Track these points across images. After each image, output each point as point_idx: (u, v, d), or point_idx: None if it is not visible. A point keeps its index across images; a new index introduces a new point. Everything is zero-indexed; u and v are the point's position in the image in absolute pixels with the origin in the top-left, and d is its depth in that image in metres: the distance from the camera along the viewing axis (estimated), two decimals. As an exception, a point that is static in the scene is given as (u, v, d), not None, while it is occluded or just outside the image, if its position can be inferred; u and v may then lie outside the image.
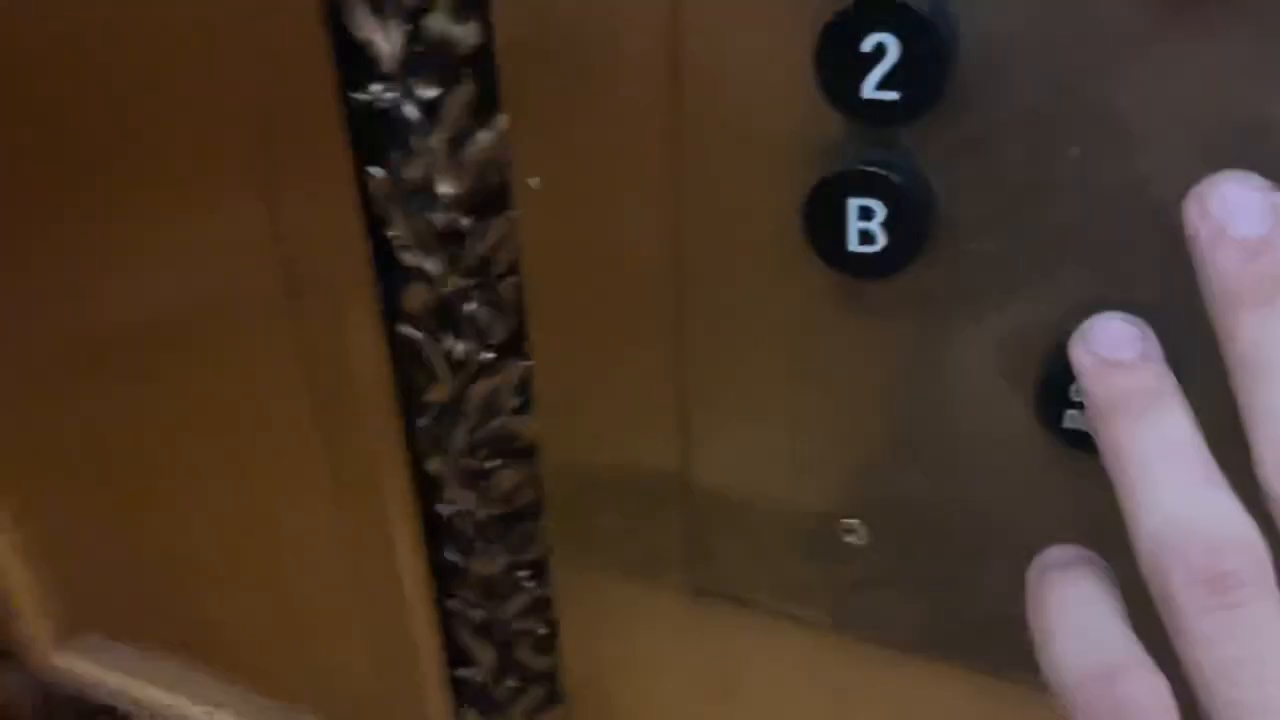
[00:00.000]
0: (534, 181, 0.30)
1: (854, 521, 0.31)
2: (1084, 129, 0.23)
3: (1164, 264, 0.24)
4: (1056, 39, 0.22)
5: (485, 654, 0.50)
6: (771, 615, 0.33)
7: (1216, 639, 0.20)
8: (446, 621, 0.50)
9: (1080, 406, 0.25)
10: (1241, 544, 0.20)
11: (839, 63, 0.23)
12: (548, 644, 0.48)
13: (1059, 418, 0.25)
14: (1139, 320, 0.23)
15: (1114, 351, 0.23)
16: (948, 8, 0.22)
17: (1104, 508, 0.27)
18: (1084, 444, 0.25)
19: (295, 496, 0.46)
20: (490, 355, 0.41)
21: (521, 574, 0.47)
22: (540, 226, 0.31)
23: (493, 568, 0.47)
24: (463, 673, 0.51)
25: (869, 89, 0.23)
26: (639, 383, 0.32)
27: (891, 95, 0.23)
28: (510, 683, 0.49)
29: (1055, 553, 0.24)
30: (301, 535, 0.47)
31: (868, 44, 0.22)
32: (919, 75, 0.23)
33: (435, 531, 0.47)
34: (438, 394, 0.43)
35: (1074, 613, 0.23)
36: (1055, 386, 0.25)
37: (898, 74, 0.23)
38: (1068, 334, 0.25)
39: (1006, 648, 0.32)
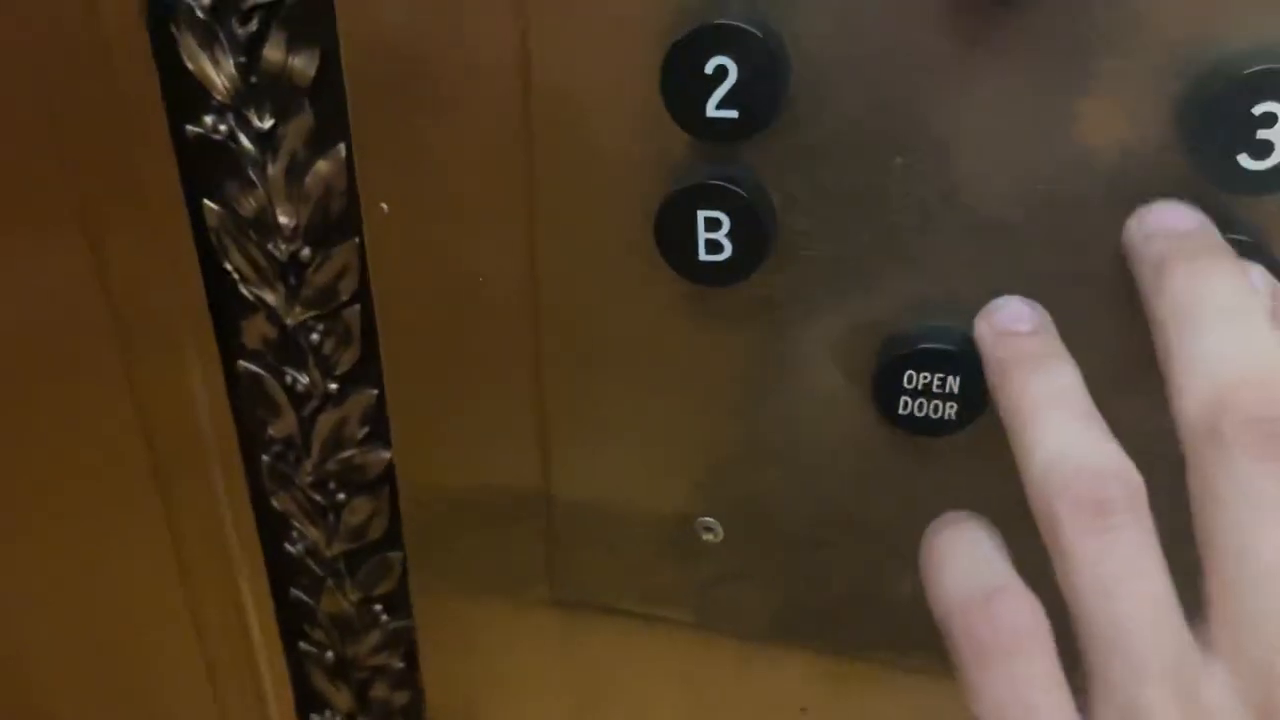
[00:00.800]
0: (383, 206, 0.30)
1: (711, 520, 0.32)
2: (905, 141, 0.25)
3: (978, 263, 0.26)
4: (878, 61, 0.25)
5: (341, 696, 0.49)
6: (637, 620, 0.34)
7: (1095, 559, 0.22)
8: (298, 666, 0.49)
9: (912, 394, 0.27)
10: (1121, 476, 0.23)
11: (683, 84, 0.25)
12: (406, 678, 0.47)
13: (895, 405, 0.28)
14: (1034, 302, 0.26)
15: (1013, 324, 0.25)
16: (781, 33, 0.24)
17: (939, 486, 0.30)
18: (918, 428, 0.28)
19: (131, 547, 0.44)
20: (335, 386, 0.40)
21: (376, 608, 0.46)
22: (391, 251, 0.31)
23: (345, 604, 0.46)
24: (317, 719, 0.50)
25: (712, 108, 0.25)
26: (497, 401, 0.32)
27: (732, 114, 0.25)
28: (368, 722, 0.48)
29: (945, 514, 0.26)
30: (139, 587, 0.45)
31: (709, 67, 0.24)
32: (757, 95, 0.25)
33: (283, 572, 0.46)
34: (282, 429, 0.42)
35: (957, 550, 0.25)
36: (890, 377, 0.27)
37: (737, 94, 0.24)
38: (899, 329, 0.27)
39: (855, 629, 0.34)
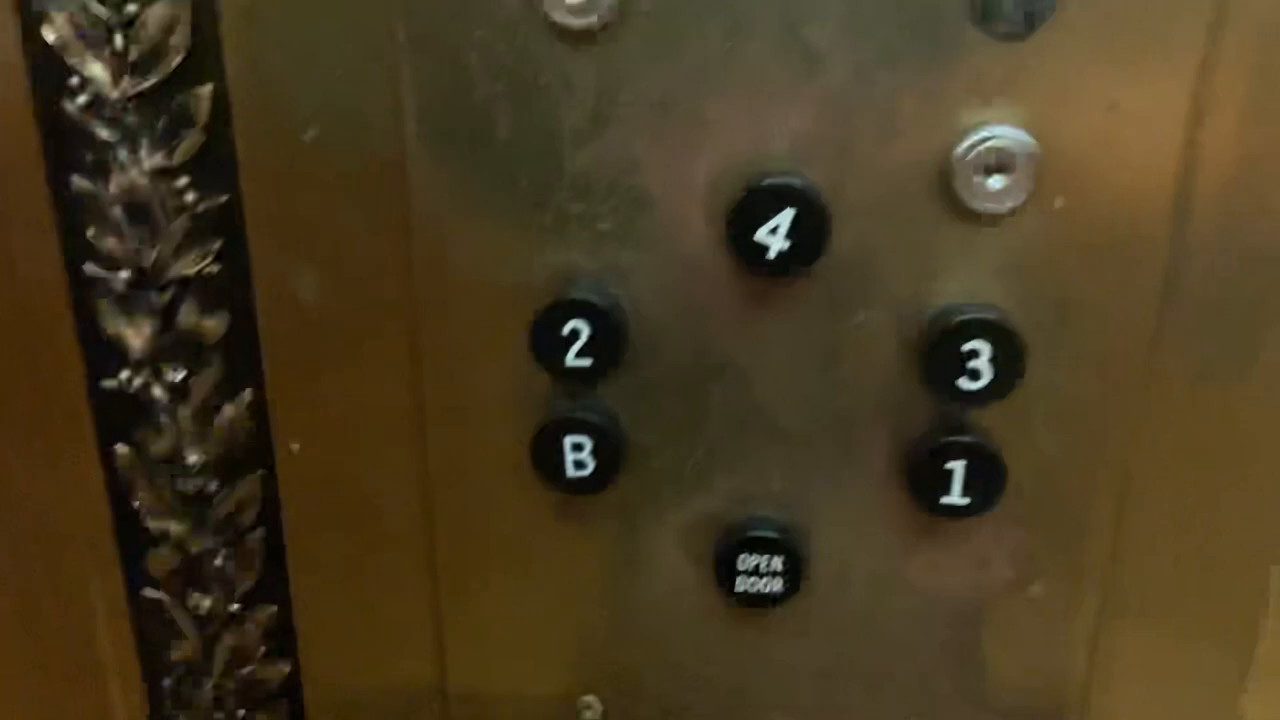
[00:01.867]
0: (294, 446, 0.36)
1: (590, 698, 0.37)
2: (719, 374, 0.33)
3: (785, 462, 0.34)
4: (694, 316, 0.32)
5: None
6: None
7: None
8: None
9: (745, 574, 0.34)
10: None
11: (547, 342, 0.31)
12: None
13: (733, 584, 0.34)
14: None
15: None
16: (620, 301, 0.32)
17: (777, 649, 0.36)
18: (753, 603, 0.34)
19: (31, 778, 0.45)
20: (237, 606, 0.44)
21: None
22: (300, 484, 0.36)
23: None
24: None
25: (570, 359, 0.32)
26: (396, 607, 0.37)
27: (586, 362, 0.32)
28: None
29: None
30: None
31: (566, 329, 0.31)
32: (604, 348, 0.32)
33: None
34: (184, 652, 0.45)
35: None
36: (727, 562, 0.34)
37: (589, 348, 0.31)
38: (730, 521, 0.34)
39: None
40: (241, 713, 0.46)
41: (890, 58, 0.28)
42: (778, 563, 0.33)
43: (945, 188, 0.29)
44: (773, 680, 0.36)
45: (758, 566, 0.33)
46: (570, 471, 0.33)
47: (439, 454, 0.34)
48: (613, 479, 0.33)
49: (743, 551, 0.33)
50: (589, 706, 0.37)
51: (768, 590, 0.34)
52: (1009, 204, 0.29)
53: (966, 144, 0.29)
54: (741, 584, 0.34)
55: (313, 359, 0.35)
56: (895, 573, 0.34)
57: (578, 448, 0.32)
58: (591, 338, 0.31)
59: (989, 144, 0.28)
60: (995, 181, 0.29)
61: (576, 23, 0.29)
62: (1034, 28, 0.28)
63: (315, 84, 0.31)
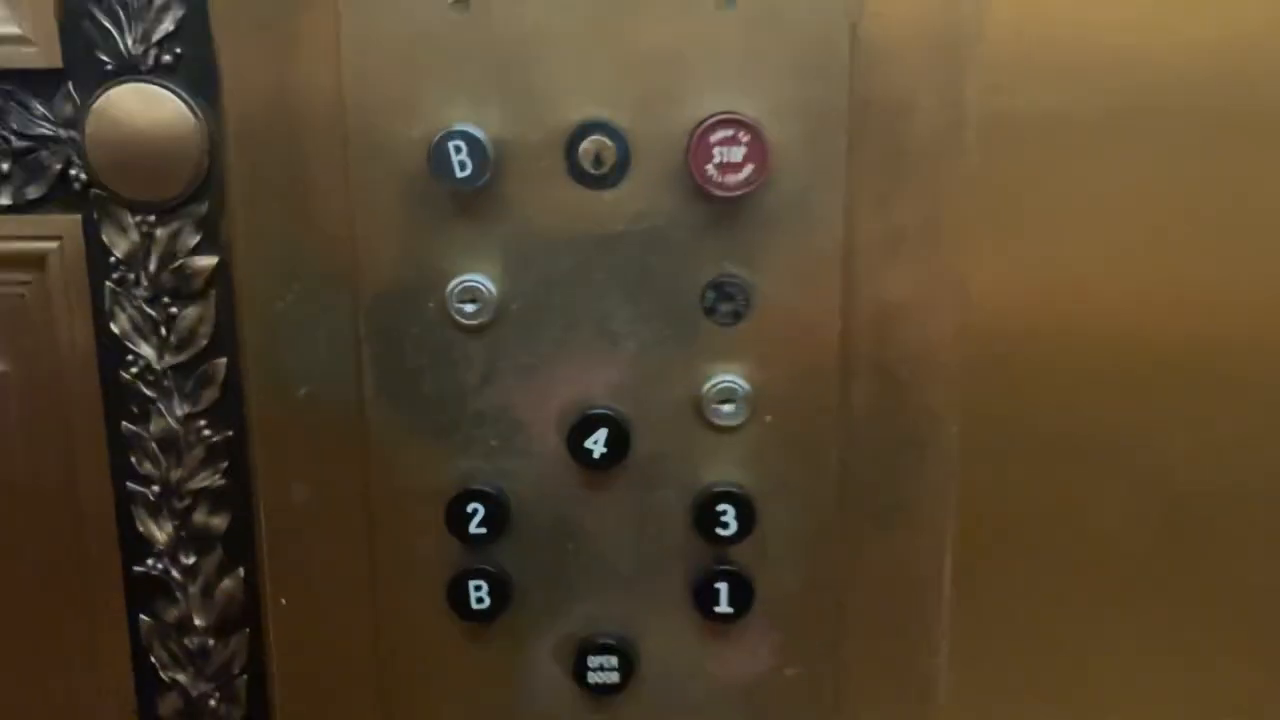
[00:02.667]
0: (283, 601, 0.52)
1: (493, 774, 0.53)
2: (572, 535, 0.50)
3: (617, 599, 0.51)
4: (553, 498, 0.50)
5: None
6: None
7: None
8: None
9: (595, 670, 0.50)
10: None
11: (457, 518, 0.49)
12: None
13: (587, 679, 0.50)
14: None
15: None
16: (507, 493, 0.49)
17: (619, 726, 0.52)
18: (602, 692, 0.50)
19: None
20: (226, 736, 0.58)
21: None
22: (285, 626, 0.52)
23: None
24: None
25: (472, 528, 0.49)
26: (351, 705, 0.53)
27: (483, 531, 0.49)
28: None
29: None
30: None
31: (469, 508, 0.49)
32: (494, 521, 0.49)
33: None
34: (181, 778, 0.59)
35: None
36: (581, 665, 0.50)
37: (484, 521, 0.49)
38: (586, 635, 0.51)
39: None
40: (227, 825, 0.60)
41: (661, 336, 0.48)
42: (614, 660, 0.50)
43: (698, 412, 0.48)
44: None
45: (601, 664, 0.50)
46: (474, 605, 0.49)
47: (386, 599, 0.51)
48: (503, 611, 0.50)
49: (590, 654, 0.50)
50: (493, 781, 0.53)
51: (609, 681, 0.50)
52: (737, 421, 0.48)
53: (708, 385, 0.48)
54: (592, 677, 0.50)
55: (297, 540, 0.51)
56: (696, 665, 0.51)
57: (478, 589, 0.49)
58: (486, 514, 0.49)
59: (721, 386, 0.48)
60: (727, 409, 0.48)
61: (471, 322, 0.48)
62: (741, 319, 0.48)
63: (305, 359, 0.50)
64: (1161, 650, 0.52)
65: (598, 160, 0.46)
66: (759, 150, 0.45)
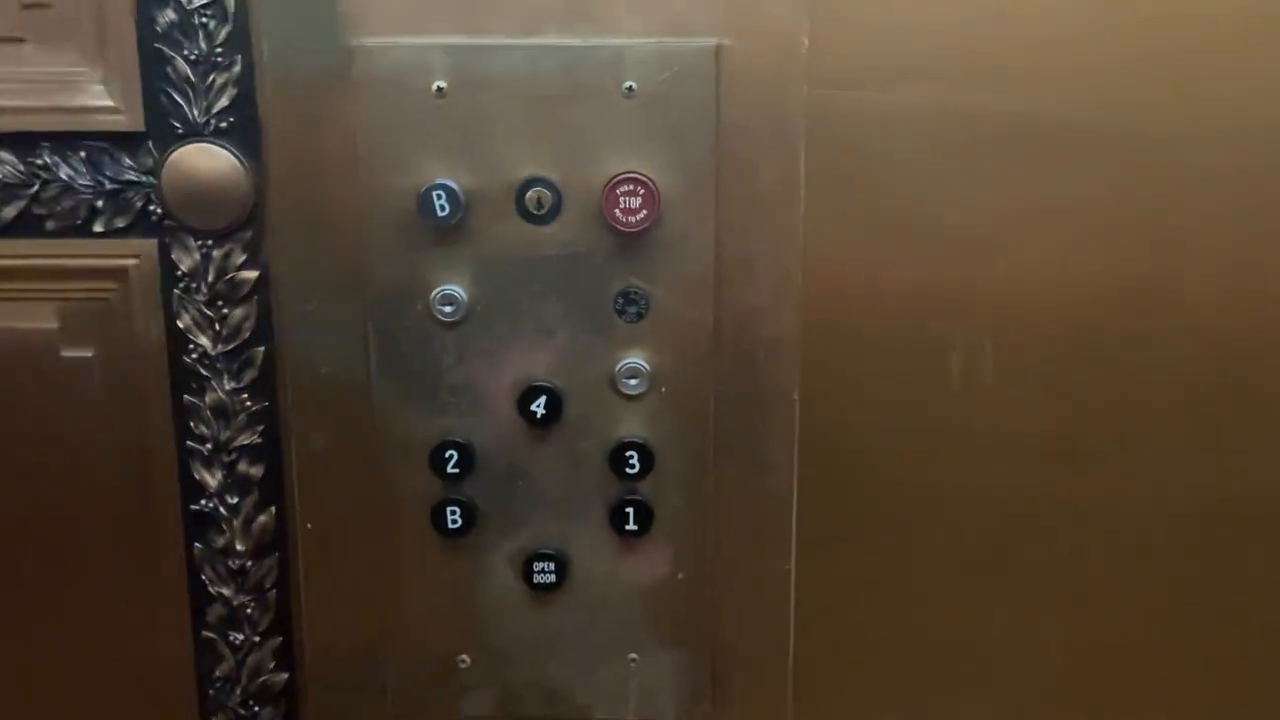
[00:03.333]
0: (309, 525, 0.70)
1: (464, 655, 0.71)
2: (521, 474, 0.69)
3: (555, 516, 0.69)
4: (506, 446, 0.68)
5: None
6: None
7: None
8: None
9: (540, 571, 0.69)
10: None
11: (437, 461, 0.67)
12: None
13: (531, 579, 0.69)
14: None
15: None
16: (473, 441, 0.68)
17: (553, 620, 0.71)
18: (542, 590, 0.69)
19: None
20: (258, 638, 0.76)
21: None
22: (312, 549, 0.70)
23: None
24: None
25: (448, 469, 0.67)
26: (359, 602, 0.71)
27: (457, 470, 0.67)
28: None
29: None
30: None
31: (446, 454, 0.67)
32: (464, 463, 0.67)
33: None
34: (225, 670, 0.77)
35: None
36: (527, 566, 0.69)
37: (458, 463, 0.67)
38: (529, 548, 0.69)
39: None
40: (256, 708, 0.78)
41: (585, 330, 0.67)
42: (552, 566, 0.69)
43: (612, 385, 0.67)
44: (551, 638, 0.71)
45: (543, 569, 0.69)
46: (449, 526, 0.68)
47: (385, 523, 0.69)
48: (470, 530, 0.68)
49: (535, 561, 0.69)
50: (463, 660, 0.71)
51: (548, 581, 0.69)
52: (640, 391, 0.67)
53: (619, 365, 0.67)
54: (536, 579, 0.69)
55: (320, 479, 0.69)
56: (612, 570, 0.70)
57: (453, 513, 0.68)
58: (459, 459, 0.67)
59: (628, 366, 0.67)
60: (633, 382, 0.67)
61: (448, 320, 0.66)
62: (643, 318, 0.66)
63: (326, 347, 0.68)
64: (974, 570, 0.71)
65: (539, 204, 0.65)
66: (651, 199, 0.64)
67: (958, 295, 0.66)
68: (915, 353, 0.67)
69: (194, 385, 0.73)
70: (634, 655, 0.71)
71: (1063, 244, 0.65)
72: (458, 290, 0.66)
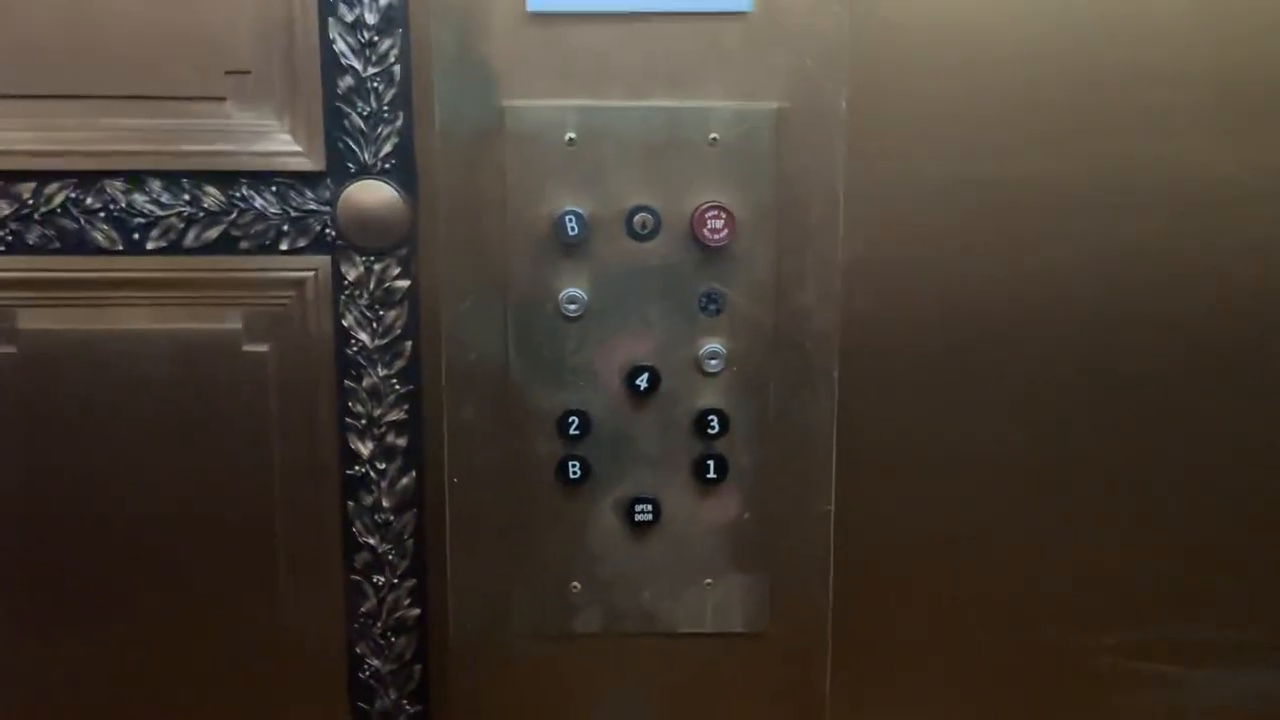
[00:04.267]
0: (454, 480, 0.88)
1: (576, 583, 0.89)
2: (624, 439, 0.88)
3: (651, 470, 0.89)
4: (616, 417, 0.87)
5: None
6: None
7: None
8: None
9: (639, 513, 0.88)
10: None
11: (562, 426, 0.86)
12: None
13: (634, 518, 0.88)
14: None
15: None
16: (590, 411, 0.87)
17: (650, 551, 0.90)
18: (641, 527, 0.88)
19: None
20: (396, 580, 0.94)
21: None
22: (457, 502, 0.89)
23: None
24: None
25: (570, 431, 0.86)
26: (494, 542, 0.89)
27: (578, 433, 0.86)
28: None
29: None
30: None
31: (569, 420, 0.86)
32: (583, 428, 0.86)
33: None
34: (368, 608, 0.94)
35: None
36: (630, 508, 0.88)
37: (578, 428, 0.86)
38: (632, 494, 0.88)
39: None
40: (393, 638, 0.95)
41: (676, 322, 0.87)
42: (650, 508, 0.88)
43: (697, 365, 0.87)
44: (645, 568, 0.90)
45: (642, 509, 0.88)
46: (570, 477, 0.87)
47: (517, 477, 0.88)
48: (586, 480, 0.87)
49: (636, 504, 0.88)
50: (575, 586, 0.90)
51: (647, 520, 0.88)
52: (718, 370, 0.87)
53: (702, 350, 0.87)
54: (637, 518, 0.88)
55: (467, 443, 0.88)
56: (696, 513, 0.89)
57: (574, 466, 0.87)
58: (579, 424, 0.86)
59: (709, 349, 0.87)
60: (713, 363, 0.87)
61: (572, 315, 0.86)
62: (721, 313, 0.87)
63: (475, 338, 0.87)
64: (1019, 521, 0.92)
65: (644, 226, 0.85)
66: (730, 222, 0.84)
67: (965, 302, 0.88)
68: (932, 344, 0.89)
69: (353, 372, 0.91)
70: (709, 580, 0.90)
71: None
72: (580, 292, 0.86)
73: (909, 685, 0.94)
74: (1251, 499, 0.90)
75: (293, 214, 0.88)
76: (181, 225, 0.87)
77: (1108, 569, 0.91)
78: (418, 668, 0.95)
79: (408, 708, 0.96)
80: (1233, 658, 0.92)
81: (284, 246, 0.88)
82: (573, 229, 0.84)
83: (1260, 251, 0.86)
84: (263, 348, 0.90)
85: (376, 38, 0.85)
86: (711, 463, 0.88)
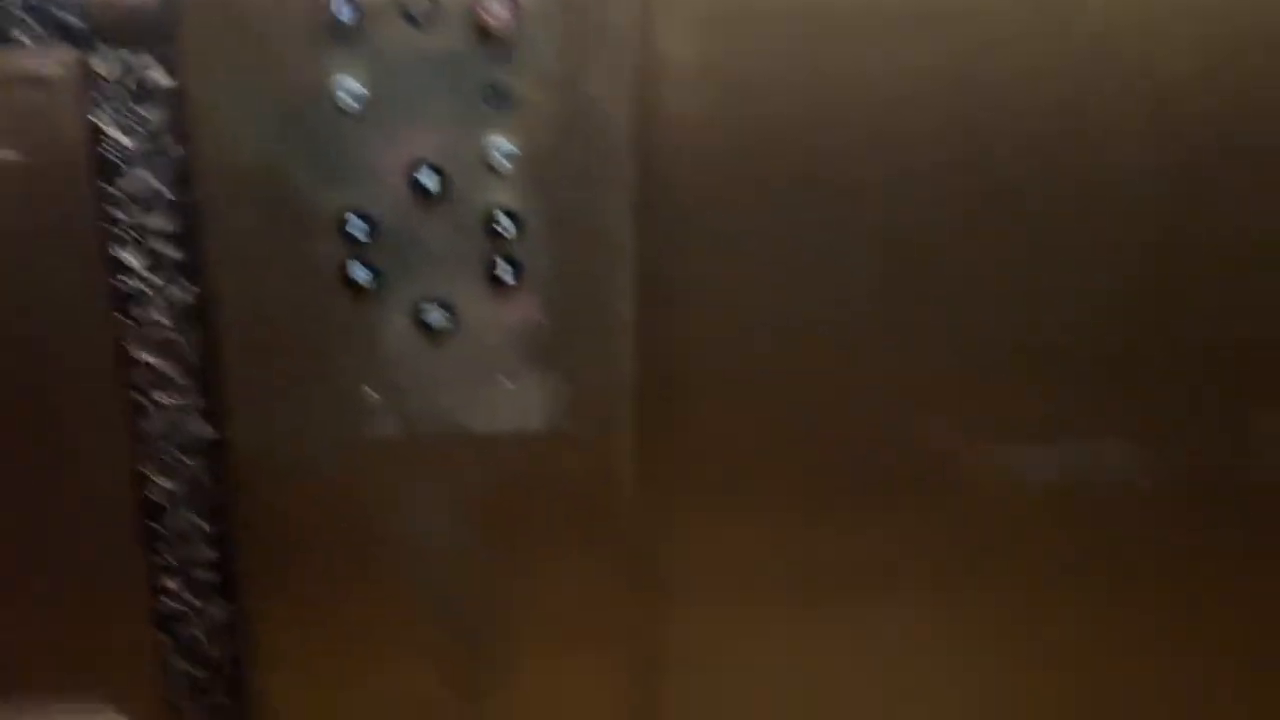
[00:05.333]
0: (232, 289, 0.84)
1: (366, 388, 0.88)
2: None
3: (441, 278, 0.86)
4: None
5: None
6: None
7: None
8: None
9: (364, 272, 0.86)
10: None
11: (345, 235, 0.83)
12: None
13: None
14: None
15: None
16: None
17: (438, 368, 0.89)
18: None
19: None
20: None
21: None
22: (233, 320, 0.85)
23: None
24: None
25: (360, 237, 0.83)
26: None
27: (367, 240, 0.83)
28: None
29: None
30: None
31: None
32: (373, 238, 0.83)
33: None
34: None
35: None
36: (425, 317, 0.86)
37: (368, 234, 0.83)
38: (428, 299, 0.86)
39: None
40: (185, 459, 0.92)
41: (462, 117, 0.83)
42: (444, 312, 0.86)
43: (488, 164, 0.84)
44: (446, 371, 0.89)
45: (436, 314, 0.86)
46: (357, 282, 0.84)
47: (301, 288, 0.84)
48: (376, 285, 0.85)
49: (428, 307, 0.86)
50: (371, 393, 0.88)
51: (442, 324, 0.86)
52: (510, 167, 0.84)
53: (488, 146, 0.84)
54: (431, 322, 0.86)
55: (242, 250, 0.83)
56: (492, 316, 0.88)
57: (360, 271, 0.84)
58: (362, 226, 0.83)
59: (497, 144, 0.84)
60: (501, 158, 0.84)
61: (349, 107, 0.81)
62: (508, 103, 0.84)
63: (240, 136, 0.81)
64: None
65: (420, 9, 0.80)
66: (513, 6, 0.81)
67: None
68: (745, 139, 0.88)
69: (114, 179, 0.84)
70: (508, 382, 0.90)
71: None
72: (357, 85, 0.81)
73: (716, 477, 0.96)
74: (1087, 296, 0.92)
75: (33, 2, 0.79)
76: (-105, 12, 0.78)
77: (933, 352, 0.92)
78: (213, 487, 0.92)
79: (205, 528, 0.94)
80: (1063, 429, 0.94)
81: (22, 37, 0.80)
82: (344, 13, 0.79)
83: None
84: (9, 154, 0.82)
85: None
86: (506, 264, 0.87)
